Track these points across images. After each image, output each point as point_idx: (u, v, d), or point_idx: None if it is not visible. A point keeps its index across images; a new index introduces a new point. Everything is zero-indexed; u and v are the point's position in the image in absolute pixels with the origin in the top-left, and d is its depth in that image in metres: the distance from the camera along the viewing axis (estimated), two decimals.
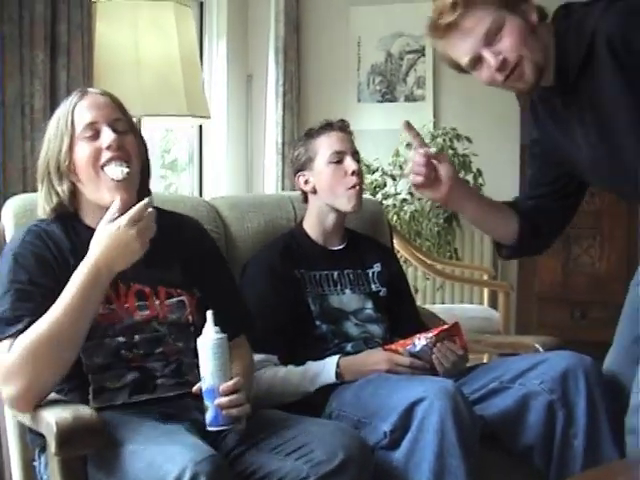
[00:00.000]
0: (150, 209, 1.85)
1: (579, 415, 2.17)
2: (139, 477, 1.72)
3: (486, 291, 4.70)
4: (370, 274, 2.60)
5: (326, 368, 2.33)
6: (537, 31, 1.99)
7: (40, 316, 1.81)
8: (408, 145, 4.83)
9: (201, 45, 4.82)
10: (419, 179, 2.11)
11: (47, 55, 2.85)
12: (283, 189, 4.90)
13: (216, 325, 1.85)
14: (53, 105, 2.90)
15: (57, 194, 1.98)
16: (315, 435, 1.89)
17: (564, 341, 2.69)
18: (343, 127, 2.59)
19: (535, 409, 2.20)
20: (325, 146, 2.55)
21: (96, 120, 1.94)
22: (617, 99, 1.93)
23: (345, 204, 2.53)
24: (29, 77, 2.79)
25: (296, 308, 2.43)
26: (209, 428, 1.86)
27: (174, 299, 2.06)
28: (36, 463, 2.04)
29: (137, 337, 1.99)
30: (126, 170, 1.94)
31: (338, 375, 2.32)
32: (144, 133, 3.31)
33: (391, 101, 5.35)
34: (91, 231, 1.89)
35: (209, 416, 1.85)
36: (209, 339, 1.85)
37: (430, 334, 2.32)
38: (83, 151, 1.94)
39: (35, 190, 2.67)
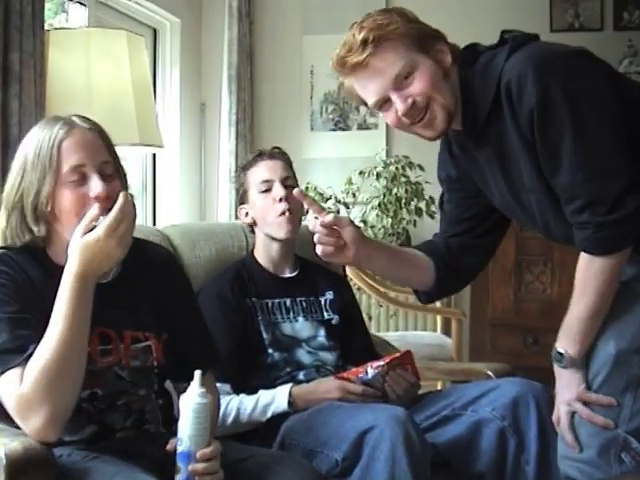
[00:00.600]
0: (128, 199, 1.77)
1: (530, 441, 2.19)
2: None
3: (439, 318, 4.73)
4: (322, 302, 2.61)
5: (278, 397, 2.33)
6: (449, 74, 1.91)
7: (40, 340, 1.72)
8: (361, 173, 4.88)
9: (154, 73, 4.82)
10: (328, 249, 1.96)
11: None
12: (236, 218, 4.89)
13: (202, 387, 1.76)
14: (5, 133, 2.88)
15: (30, 231, 1.83)
16: (272, 469, 1.86)
17: (517, 367, 2.72)
18: (272, 154, 2.60)
19: (487, 436, 2.22)
20: (254, 177, 2.58)
21: (84, 163, 1.79)
22: (516, 149, 1.88)
23: (277, 231, 2.54)
24: None
25: (247, 337, 2.44)
26: None
27: (140, 344, 1.94)
28: None
29: (99, 392, 1.89)
30: None
31: (290, 404, 2.32)
32: None
33: (344, 129, 5.39)
34: (60, 269, 1.77)
35: (179, 479, 1.77)
36: (193, 402, 1.76)
37: (382, 362, 2.33)
38: (68, 198, 1.79)
39: None
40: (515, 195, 1.97)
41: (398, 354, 2.40)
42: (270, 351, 2.45)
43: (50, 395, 1.69)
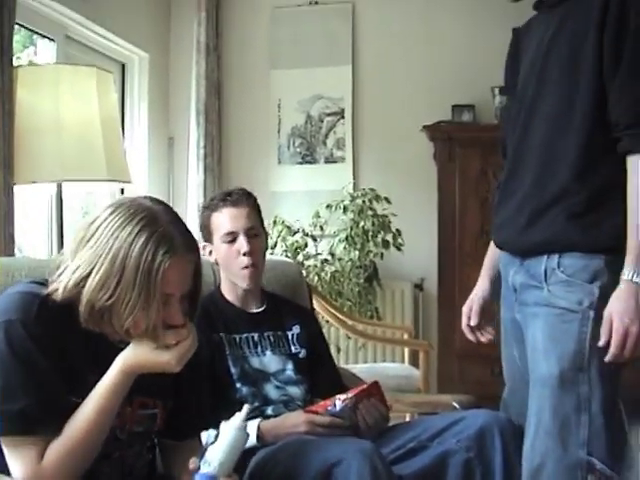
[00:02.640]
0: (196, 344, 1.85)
1: (496, 471, 2.21)
2: None
3: (407, 350, 4.76)
4: (290, 336, 2.62)
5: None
6: None
7: (66, 413, 1.71)
8: (328, 206, 4.92)
9: (122, 107, 4.85)
10: None
11: None
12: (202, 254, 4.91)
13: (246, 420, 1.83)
14: None
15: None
16: None
17: (484, 397, 2.75)
18: (237, 202, 2.55)
19: (453, 466, 2.24)
20: (218, 225, 2.55)
21: (173, 294, 1.77)
22: (574, 32, 2.03)
23: (241, 282, 2.56)
24: None
25: (216, 372, 2.44)
26: None
27: (147, 411, 1.92)
28: None
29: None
30: None
31: (259, 438, 2.33)
32: (64, 197, 3.32)
33: (311, 163, 5.43)
34: (98, 339, 1.78)
35: None
36: (234, 431, 1.82)
37: (350, 394, 2.35)
38: (145, 319, 1.74)
39: None
40: (539, 79, 2.12)
41: (365, 385, 2.42)
42: (238, 385, 2.46)
43: (66, 474, 1.69)
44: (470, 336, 2.40)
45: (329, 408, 2.34)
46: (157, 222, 1.74)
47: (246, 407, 1.86)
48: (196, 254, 1.82)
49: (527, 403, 2.10)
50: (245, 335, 2.55)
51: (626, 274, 1.94)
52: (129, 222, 1.72)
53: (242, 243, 2.53)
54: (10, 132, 3.04)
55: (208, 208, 2.60)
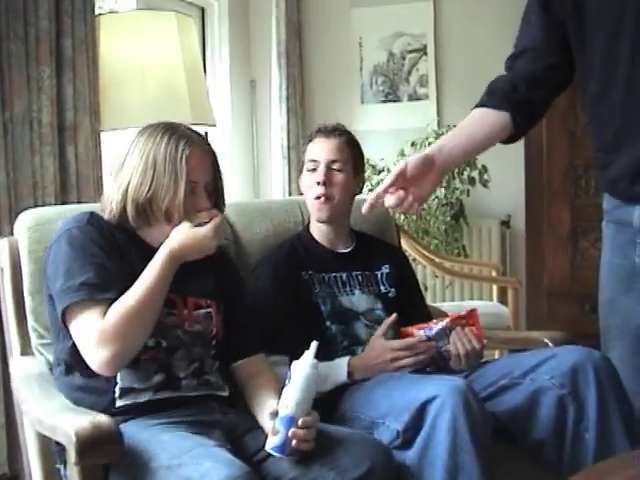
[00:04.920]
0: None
1: (589, 409, 2.18)
2: None
3: (495, 287, 4.71)
4: (379, 275, 2.62)
5: (337, 368, 2.36)
6: None
7: (122, 288, 1.95)
8: (413, 144, 4.88)
9: (203, 52, 4.85)
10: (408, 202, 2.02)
11: (53, 70, 2.86)
12: (290, 193, 4.93)
13: (315, 358, 1.90)
14: (60, 119, 2.93)
15: (139, 219, 2.09)
16: (340, 443, 1.92)
17: (574, 335, 2.71)
18: (329, 133, 2.59)
19: (546, 404, 2.22)
20: (307, 153, 2.60)
21: (197, 181, 2.09)
22: None
23: (312, 213, 2.59)
24: (36, 92, 2.81)
25: (304, 310, 2.46)
26: (270, 451, 1.88)
27: (202, 310, 2.13)
28: (59, 466, 2.07)
29: (164, 342, 2.04)
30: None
31: (349, 375, 2.34)
32: None
33: (394, 101, 5.37)
34: (146, 244, 2.10)
35: (276, 441, 1.87)
36: (305, 370, 1.88)
37: (447, 319, 2.35)
38: (179, 200, 2.06)
39: (45, 204, 2.73)
40: None
41: (463, 312, 2.41)
42: (328, 323, 2.47)
43: (125, 335, 1.90)
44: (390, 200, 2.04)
45: (424, 330, 2.35)
46: (175, 127, 2.13)
47: (314, 344, 1.90)
48: (210, 148, 2.17)
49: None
50: (334, 274, 2.55)
51: None
52: (152, 135, 2.10)
53: (319, 172, 2.54)
54: (95, 80, 3.06)
55: (307, 139, 2.64)
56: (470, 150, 2.24)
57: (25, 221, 2.33)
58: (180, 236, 2.02)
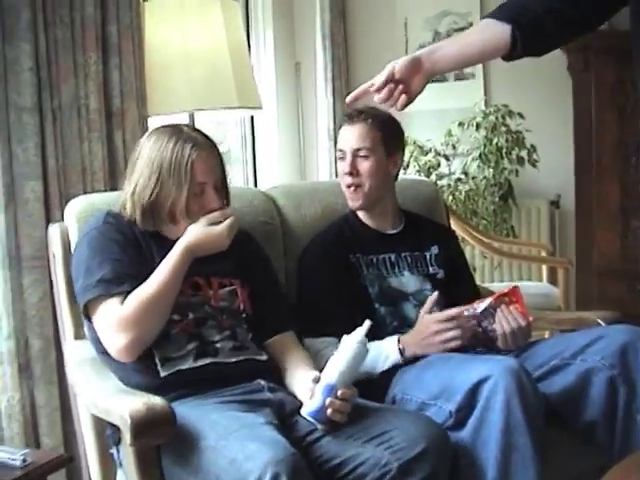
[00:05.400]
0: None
1: None
2: (220, 475, 1.76)
3: (544, 267, 4.67)
4: (427, 256, 2.61)
5: (389, 346, 2.35)
6: None
7: (138, 281, 2.05)
8: (460, 124, 4.84)
9: (248, 35, 4.85)
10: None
11: (99, 56, 2.87)
12: (336, 175, 4.91)
13: (366, 336, 1.96)
14: (108, 105, 2.94)
15: (149, 220, 2.18)
16: (395, 424, 1.93)
17: (624, 315, 2.68)
18: (352, 119, 2.56)
19: (596, 385, 2.20)
20: (338, 141, 2.61)
21: (206, 182, 2.16)
22: None
23: (347, 200, 2.59)
24: (83, 79, 2.82)
25: (353, 292, 2.46)
26: (305, 414, 1.93)
27: (226, 288, 2.22)
28: (113, 450, 2.10)
29: (191, 314, 2.12)
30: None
31: (401, 353, 2.34)
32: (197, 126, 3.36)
33: (440, 81, 5.31)
34: (165, 238, 2.18)
35: (313, 406, 1.91)
36: (355, 343, 1.92)
37: (489, 298, 2.35)
38: (191, 206, 2.15)
39: (94, 190, 2.75)
40: None
41: (505, 289, 2.38)
42: (376, 305, 2.47)
43: (142, 322, 2.01)
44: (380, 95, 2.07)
45: (467, 312, 2.34)
46: (181, 130, 2.20)
47: (367, 322, 1.92)
48: (216, 150, 2.23)
49: None
50: (382, 256, 2.55)
51: None
52: (159, 138, 2.18)
53: (346, 163, 2.54)
54: (141, 66, 3.07)
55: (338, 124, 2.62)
56: (464, 57, 2.12)
57: (75, 208, 2.37)
58: (196, 233, 2.11)
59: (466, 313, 2.35)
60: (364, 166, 2.53)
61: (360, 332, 1.93)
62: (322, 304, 2.40)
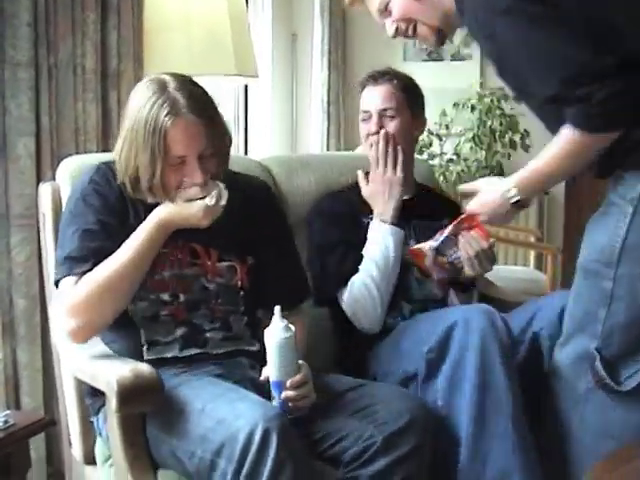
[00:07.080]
0: (223, 202, 1.97)
1: None
2: (207, 436, 1.74)
3: (532, 253, 4.67)
4: (436, 228, 2.57)
5: (383, 236, 2.39)
6: None
7: (103, 256, 1.92)
8: (455, 105, 4.81)
9: (246, 4, 4.79)
10: None
11: (98, 15, 2.83)
12: (328, 148, 4.89)
13: (284, 320, 1.86)
14: (104, 65, 2.90)
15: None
16: (379, 398, 1.93)
17: None
18: (377, 79, 2.52)
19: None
20: (361, 102, 2.55)
21: (186, 154, 1.93)
22: None
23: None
24: (80, 38, 2.77)
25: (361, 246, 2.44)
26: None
27: (224, 263, 2.10)
28: (93, 419, 2.07)
29: (182, 296, 2.03)
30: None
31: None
32: None
33: (437, 60, 5.31)
34: (142, 203, 2.02)
35: (276, 404, 1.87)
36: (276, 337, 1.85)
37: (448, 227, 2.32)
38: (169, 179, 1.95)
39: (86, 151, 2.72)
40: None
41: (461, 217, 2.32)
42: None
43: (92, 308, 1.90)
44: None
45: (430, 243, 2.34)
46: (165, 87, 1.92)
47: (277, 309, 1.85)
48: (203, 117, 1.92)
49: None
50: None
51: None
52: (144, 95, 1.93)
53: (372, 123, 2.50)
54: (139, 27, 3.03)
55: (360, 86, 2.57)
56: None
57: (67, 168, 2.33)
58: (169, 207, 1.96)
59: (428, 246, 2.33)
60: (391, 126, 2.49)
61: (276, 322, 1.85)
62: (334, 257, 2.42)
